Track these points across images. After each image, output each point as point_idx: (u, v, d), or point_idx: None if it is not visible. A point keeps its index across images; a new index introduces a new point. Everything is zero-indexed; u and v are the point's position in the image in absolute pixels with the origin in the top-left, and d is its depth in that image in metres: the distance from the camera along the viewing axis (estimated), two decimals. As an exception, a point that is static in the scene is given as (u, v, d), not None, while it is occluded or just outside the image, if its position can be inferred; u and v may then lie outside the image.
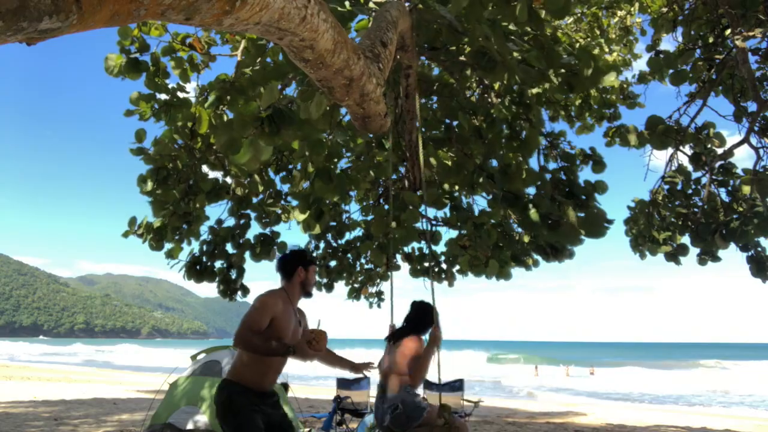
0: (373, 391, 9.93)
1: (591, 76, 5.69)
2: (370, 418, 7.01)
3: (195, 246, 9.09)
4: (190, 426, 7.91)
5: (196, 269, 9.05)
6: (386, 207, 8.10)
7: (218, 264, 9.32)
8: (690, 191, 8.80)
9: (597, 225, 7.22)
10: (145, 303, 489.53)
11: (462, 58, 5.85)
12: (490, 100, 7.42)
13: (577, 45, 8.13)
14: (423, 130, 7.17)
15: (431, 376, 5.01)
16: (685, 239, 8.80)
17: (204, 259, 9.17)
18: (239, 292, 9.50)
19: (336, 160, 7.94)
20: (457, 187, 8.43)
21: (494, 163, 7.47)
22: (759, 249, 8.50)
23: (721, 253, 8.68)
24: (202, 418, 7.94)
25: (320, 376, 30.30)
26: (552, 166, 8.05)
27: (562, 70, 5.68)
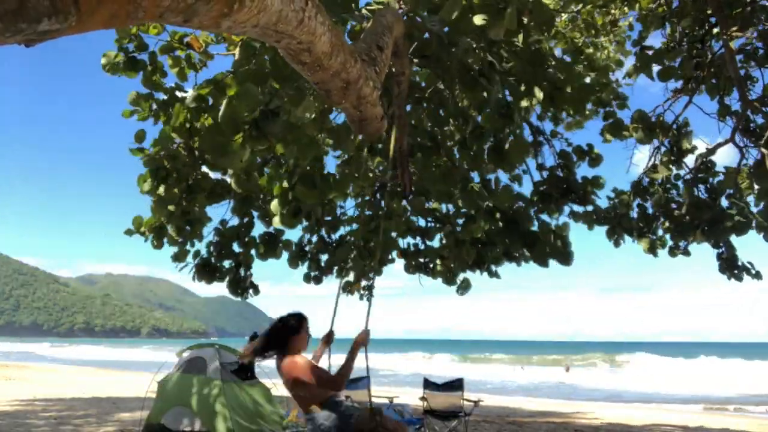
0: (374, 391, 9.96)
1: (575, 93, 5.75)
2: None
3: (202, 248, 9.18)
4: (184, 427, 7.92)
5: (206, 270, 9.09)
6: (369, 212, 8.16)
7: (227, 264, 9.40)
8: (668, 185, 8.99)
9: (564, 254, 7.51)
10: (145, 303, 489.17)
11: (449, 66, 5.86)
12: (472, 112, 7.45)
13: (568, 49, 8.20)
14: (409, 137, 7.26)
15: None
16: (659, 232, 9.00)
17: (212, 260, 9.23)
18: (250, 290, 9.60)
19: (320, 165, 7.94)
20: (439, 199, 8.49)
21: (476, 178, 7.57)
22: (730, 247, 8.74)
23: (693, 248, 8.94)
24: (197, 420, 7.95)
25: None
26: (549, 162, 8.13)
27: (545, 83, 5.71)
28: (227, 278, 9.36)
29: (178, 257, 8.64)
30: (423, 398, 8.80)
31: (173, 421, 7.99)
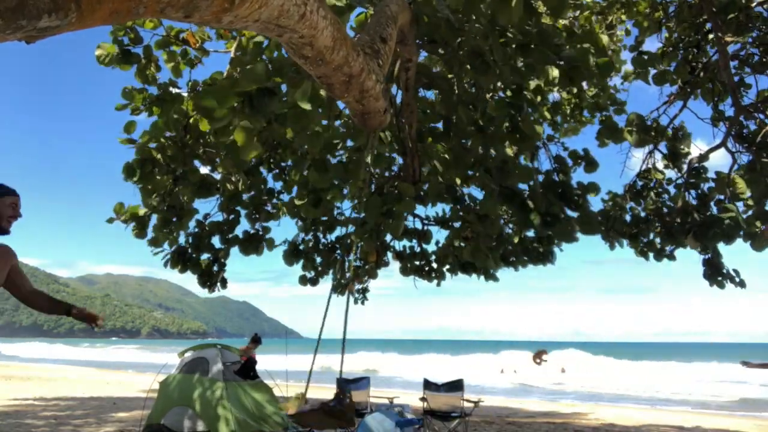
0: (374, 391, 9.94)
1: (592, 67, 5.72)
2: (370, 418, 6.99)
3: (181, 237, 9.22)
4: (185, 428, 7.90)
5: (181, 260, 9.21)
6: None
7: (204, 256, 9.54)
8: (660, 189, 9.01)
9: (593, 223, 7.42)
10: (145, 303, 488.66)
11: (460, 52, 5.84)
12: (487, 95, 7.45)
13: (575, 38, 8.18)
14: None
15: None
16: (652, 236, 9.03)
17: (189, 250, 9.28)
18: (218, 285, 9.81)
19: (331, 151, 7.97)
20: (458, 181, 8.48)
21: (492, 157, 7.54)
22: (716, 253, 8.68)
23: (689, 252, 8.92)
24: (199, 421, 7.93)
25: (321, 374, 30.30)
26: (545, 167, 8.12)
27: (562, 63, 5.67)
28: (200, 270, 9.50)
29: (155, 242, 8.61)
30: (423, 398, 8.80)
31: (174, 422, 7.98)
